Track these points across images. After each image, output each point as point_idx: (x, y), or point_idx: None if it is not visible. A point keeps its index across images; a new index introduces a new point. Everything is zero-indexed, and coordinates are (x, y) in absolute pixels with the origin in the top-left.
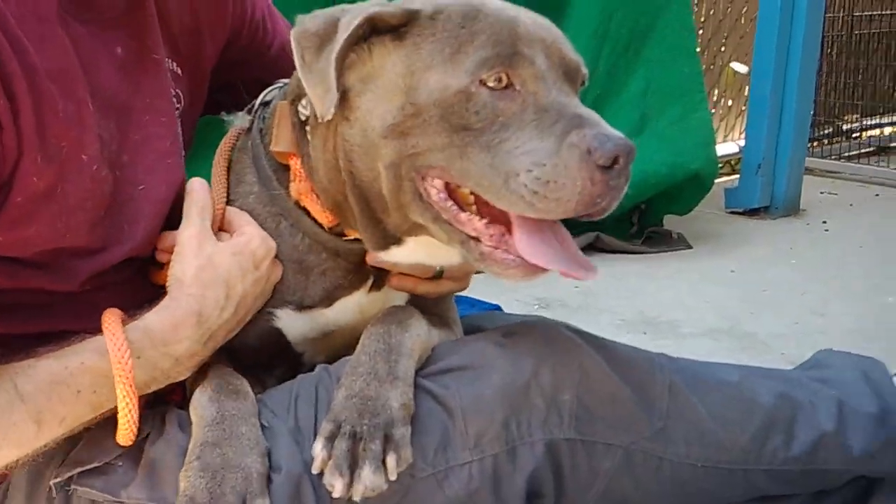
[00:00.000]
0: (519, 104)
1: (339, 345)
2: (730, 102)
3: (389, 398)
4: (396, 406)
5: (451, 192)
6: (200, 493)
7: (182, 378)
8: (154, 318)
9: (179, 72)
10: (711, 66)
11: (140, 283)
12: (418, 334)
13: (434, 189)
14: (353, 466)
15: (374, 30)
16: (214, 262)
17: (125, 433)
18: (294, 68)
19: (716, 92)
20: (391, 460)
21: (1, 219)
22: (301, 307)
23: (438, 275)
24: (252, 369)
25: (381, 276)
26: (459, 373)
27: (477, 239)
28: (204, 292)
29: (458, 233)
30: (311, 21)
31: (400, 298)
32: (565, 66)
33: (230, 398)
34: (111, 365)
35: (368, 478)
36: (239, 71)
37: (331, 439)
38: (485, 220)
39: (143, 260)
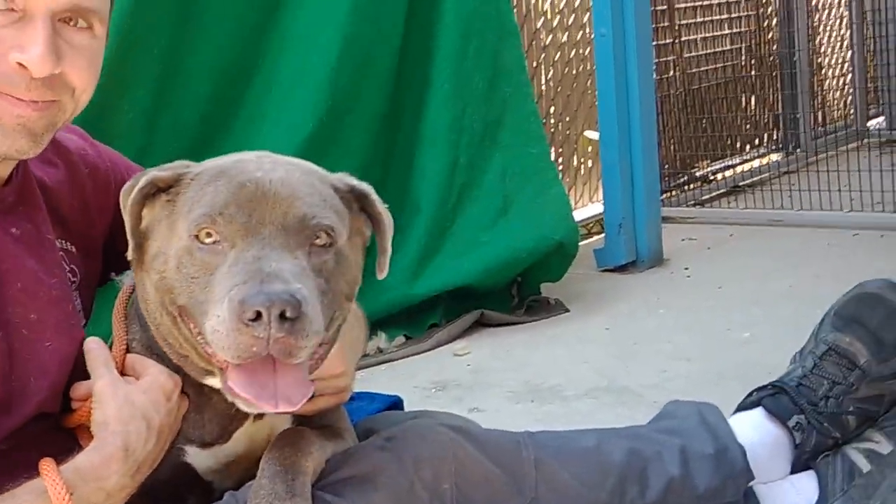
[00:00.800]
0: (222, 258)
1: (243, 469)
2: (590, 165)
3: None
4: None
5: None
6: None
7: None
8: (84, 458)
9: (73, 250)
10: (568, 136)
11: (54, 439)
12: (310, 452)
13: (191, 323)
14: None
15: (158, 188)
16: (131, 400)
17: None
18: None
19: (575, 159)
20: None
21: None
22: (203, 444)
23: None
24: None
25: None
26: (351, 481)
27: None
28: (127, 428)
29: (211, 364)
30: (132, 180)
31: (284, 421)
32: (286, 220)
33: None
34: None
35: None
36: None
37: None
38: None
39: (54, 417)
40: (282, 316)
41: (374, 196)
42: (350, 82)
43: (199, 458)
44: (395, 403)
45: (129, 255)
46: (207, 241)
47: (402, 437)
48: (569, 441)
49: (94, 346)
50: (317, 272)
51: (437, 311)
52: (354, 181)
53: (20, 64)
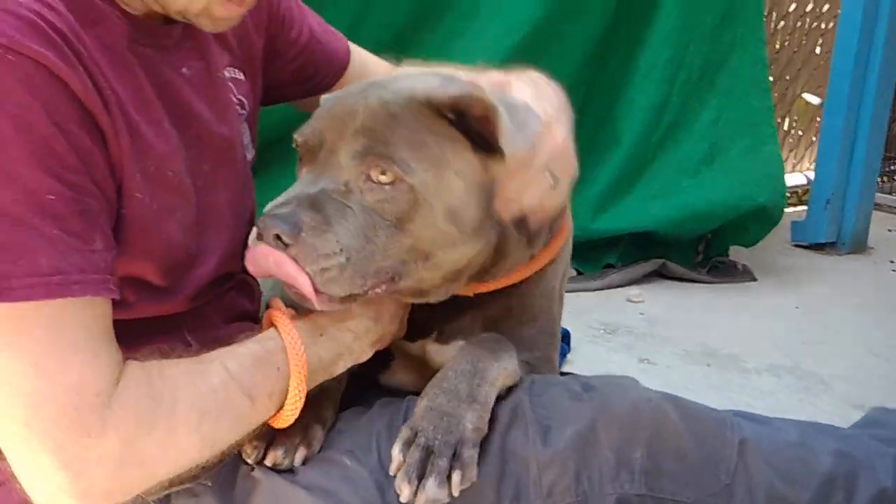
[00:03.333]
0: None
1: (407, 373)
2: (800, 133)
3: (465, 419)
4: (470, 428)
5: None
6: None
7: (365, 357)
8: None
9: (241, 77)
10: (784, 96)
11: (234, 300)
12: (506, 367)
13: None
14: (420, 476)
15: None
16: None
17: (289, 413)
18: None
19: (787, 122)
20: (456, 477)
21: (118, 235)
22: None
23: None
24: None
25: (446, 330)
26: (536, 423)
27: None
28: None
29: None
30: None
31: None
32: (345, 148)
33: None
34: (288, 355)
35: (432, 489)
36: (279, 64)
37: (407, 444)
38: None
39: (236, 278)
40: (279, 238)
41: (479, 102)
42: None
43: None
44: (563, 336)
45: None
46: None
47: (602, 389)
48: (771, 430)
49: None
50: (364, 208)
51: (615, 252)
52: (457, 91)
53: None
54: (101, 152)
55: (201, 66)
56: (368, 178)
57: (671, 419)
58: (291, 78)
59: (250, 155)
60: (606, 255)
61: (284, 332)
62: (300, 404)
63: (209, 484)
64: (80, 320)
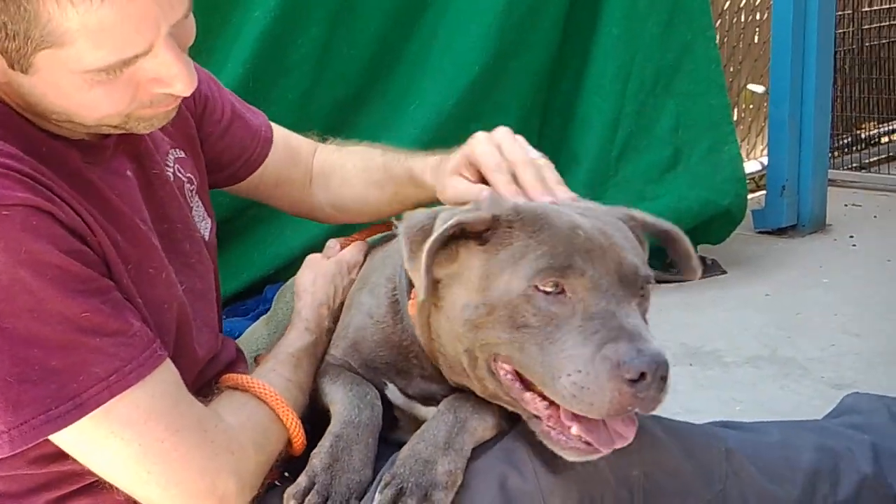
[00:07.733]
0: (570, 310)
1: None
2: (750, 120)
3: (437, 463)
4: (441, 471)
5: (519, 374)
6: (321, 477)
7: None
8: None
9: (183, 154)
10: (730, 88)
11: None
12: (486, 419)
13: (503, 370)
14: None
15: (463, 233)
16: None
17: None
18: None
19: (735, 112)
20: None
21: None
22: (404, 393)
23: None
24: None
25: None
26: (534, 457)
27: (538, 417)
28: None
29: (522, 409)
30: (417, 215)
31: None
32: (621, 272)
33: (367, 408)
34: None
35: None
36: (209, 144)
37: (386, 488)
38: (546, 402)
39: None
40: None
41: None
42: (517, 28)
43: (396, 397)
44: None
45: (421, 296)
46: (551, 290)
47: None
48: (753, 433)
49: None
50: None
51: None
52: (639, 213)
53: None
54: (103, 261)
55: (139, 167)
56: (640, 296)
57: (662, 439)
58: (221, 158)
59: (207, 227)
60: None
61: (255, 386)
62: (299, 428)
63: None
64: (159, 390)
